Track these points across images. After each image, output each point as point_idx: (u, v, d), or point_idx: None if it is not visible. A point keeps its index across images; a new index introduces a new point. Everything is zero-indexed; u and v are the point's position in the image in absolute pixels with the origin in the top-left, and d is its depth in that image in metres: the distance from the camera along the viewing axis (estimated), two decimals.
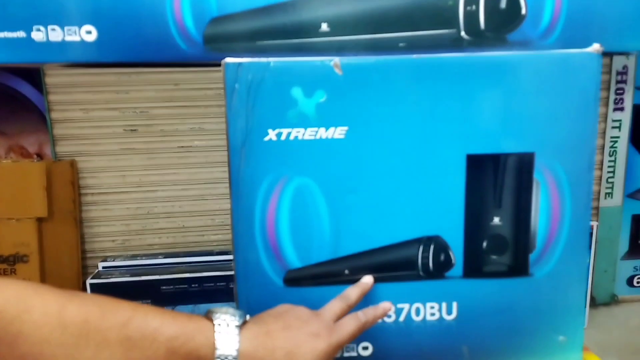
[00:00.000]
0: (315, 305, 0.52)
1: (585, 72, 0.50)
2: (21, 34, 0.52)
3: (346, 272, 0.53)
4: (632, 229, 1.74)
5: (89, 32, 0.51)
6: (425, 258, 0.53)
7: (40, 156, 1.65)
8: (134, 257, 1.65)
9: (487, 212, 0.52)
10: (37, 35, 0.52)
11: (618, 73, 1.62)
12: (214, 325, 0.42)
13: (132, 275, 1.50)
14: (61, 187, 1.60)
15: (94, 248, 1.69)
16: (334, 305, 0.48)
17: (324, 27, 0.53)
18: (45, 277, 1.56)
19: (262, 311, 0.51)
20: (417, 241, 0.53)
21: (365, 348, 0.55)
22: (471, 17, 0.54)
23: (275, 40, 0.52)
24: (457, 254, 0.53)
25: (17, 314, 0.36)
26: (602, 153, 1.68)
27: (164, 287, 1.53)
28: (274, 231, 0.52)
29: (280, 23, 0.52)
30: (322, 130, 0.50)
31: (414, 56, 0.50)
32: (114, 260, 1.60)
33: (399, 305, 0.54)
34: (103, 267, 1.57)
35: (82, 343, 0.37)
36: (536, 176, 0.51)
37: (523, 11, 0.54)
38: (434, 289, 0.53)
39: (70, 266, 1.62)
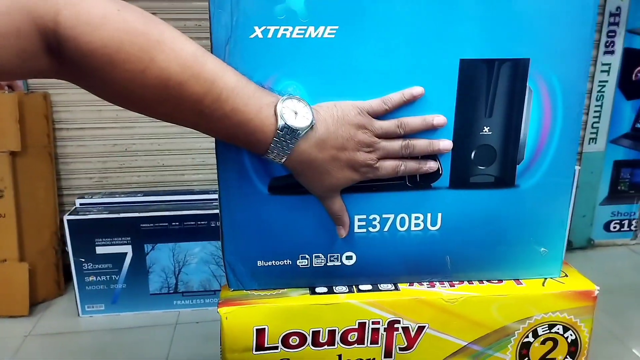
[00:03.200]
0: (300, 214, 0.52)
1: None
2: None
3: None
4: (612, 174, 1.77)
5: None
6: None
7: (11, 88, 1.59)
8: (112, 194, 1.63)
9: (477, 120, 0.52)
10: None
11: (611, 15, 1.61)
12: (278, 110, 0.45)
13: (110, 213, 1.49)
14: (34, 121, 1.56)
15: (70, 185, 1.66)
16: (397, 145, 0.50)
17: None
18: (20, 212, 1.54)
19: (245, 220, 0.51)
20: None
21: (349, 257, 0.55)
22: None
23: None
24: (444, 163, 0.53)
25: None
26: (590, 97, 1.68)
27: (144, 225, 1.52)
28: None
29: None
30: (311, 28, 0.48)
31: None
32: (91, 198, 1.58)
33: (384, 216, 0.54)
34: (80, 204, 1.55)
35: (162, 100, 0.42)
36: (529, 84, 0.51)
37: None
38: (420, 200, 0.54)
39: (46, 201, 1.59)
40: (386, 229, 0.54)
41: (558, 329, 0.55)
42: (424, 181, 0.53)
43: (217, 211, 0.53)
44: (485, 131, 0.52)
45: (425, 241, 0.55)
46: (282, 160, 0.47)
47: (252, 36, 0.48)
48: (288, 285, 0.55)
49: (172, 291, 1.51)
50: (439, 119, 0.50)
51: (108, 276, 1.51)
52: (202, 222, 1.51)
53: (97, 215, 1.47)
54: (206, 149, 1.64)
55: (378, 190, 0.53)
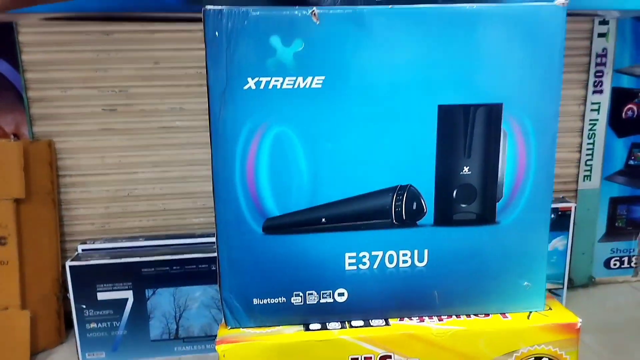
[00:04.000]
0: (293, 253, 0.55)
1: (551, 24, 0.53)
2: None
3: (323, 220, 0.56)
4: (609, 211, 1.80)
5: None
6: (398, 207, 0.56)
7: (17, 136, 1.65)
8: (114, 239, 1.66)
9: (457, 161, 0.56)
10: None
11: (598, 55, 1.67)
12: None
13: (112, 258, 1.51)
14: (39, 168, 1.60)
15: (72, 231, 1.69)
16: None
17: None
18: (23, 259, 1.56)
19: (241, 259, 0.54)
20: (391, 190, 0.56)
21: (341, 294, 0.58)
22: None
23: None
24: (428, 202, 0.56)
25: None
26: (581, 136, 1.73)
27: (145, 270, 1.54)
28: (254, 180, 0.55)
29: None
30: (300, 79, 0.53)
31: (389, 6, 0.53)
32: (93, 243, 1.61)
33: (374, 253, 0.57)
34: (82, 250, 1.57)
35: None
36: (504, 126, 0.55)
37: None
38: (407, 237, 0.57)
39: (48, 248, 1.62)
40: (375, 265, 0.57)
41: None
42: (410, 219, 0.56)
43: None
44: (465, 171, 0.56)
45: (413, 277, 0.58)
46: None
47: (245, 87, 0.52)
48: (283, 322, 0.58)
49: (173, 337, 1.51)
50: None
51: (109, 323, 1.52)
52: (203, 265, 1.53)
53: (99, 260, 1.49)
54: (207, 192, 1.68)
55: (367, 228, 0.56)
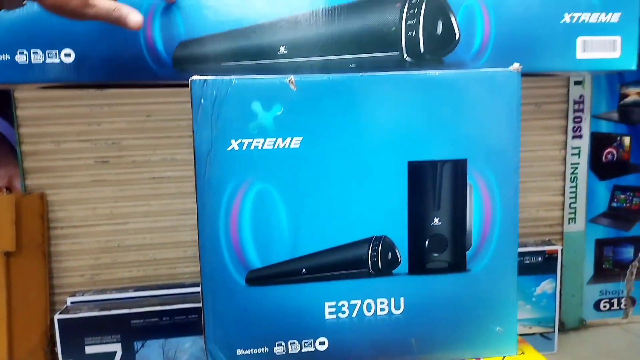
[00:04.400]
0: (275, 303, 0.58)
1: (507, 87, 0.59)
2: (6, 57, 0.59)
3: (303, 271, 0.60)
4: (596, 253, 1.83)
5: (67, 55, 0.59)
6: (374, 257, 0.60)
7: (9, 189, 1.68)
8: (103, 291, 1.67)
9: (428, 213, 0.60)
10: (21, 58, 0.59)
11: (575, 102, 1.75)
12: None
13: (100, 310, 1.52)
14: (30, 221, 1.63)
15: (62, 283, 1.70)
16: None
17: (282, 49, 0.62)
18: (11, 313, 1.57)
19: (225, 310, 0.58)
20: (367, 241, 0.60)
21: (322, 343, 0.61)
22: (412, 41, 0.63)
23: (239, 61, 0.61)
24: (402, 252, 0.60)
25: None
26: (564, 179, 1.79)
27: (134, 321, 1.55)
28: (237, 234, 0.59)
29: (243, 46, 0.61)
30: (279, 140, 0.58)
31: (360, 74, 0.58)
32: (82, 295, 1.62)
33: (352, 302, 0.61)
34: (71, 302, 1.58)
35: None
36: (469, 180, 0.60)
37: (457, 36, 0.64)
38: (383, 286, 0.61)
39: (37, 301, 1.63)
40: (354, 314, 0.61)
41: None
42: (386, 268, 0.60)
43: None
44: (436, 222, 0.60)
45: (391, 324, 0.61)
46: None
47: (229, 148, 0.57)
48: None
49: None
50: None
51: None
52: (193, 316, 1.54)
53: (88, 313, 1.50)
54: (197, 241, 1.70)
55: (345, 278, 0.60)
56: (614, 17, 0.65)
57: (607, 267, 1.86)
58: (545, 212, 1.87)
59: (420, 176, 0.60)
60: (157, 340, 1.52)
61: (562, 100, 1.82)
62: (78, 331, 1.49)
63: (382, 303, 0.61)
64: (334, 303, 0.60)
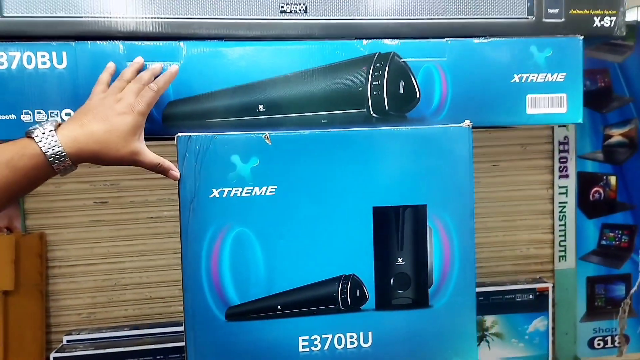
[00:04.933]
0: (253, 337, 0.65)
1: (459, 141, 0.67)
2: (12, 116, 0.68)
3: (278, 307, 0.67)
4: (587, 290, 1.89)
5: (68, 114, 0.68)
6: (343, 294, 0.67)
7: (9, 229, 1.76)
8: (99, 329, 1.73)
9: (392, 253, 0.68)
10: (26, 117, 0.68)
11: (560, 143, 1.84)
12: (34, 139, 0.58)
13: (96, 348, 1.58)
14: (29, 260, 1.70)
15: (58, 322, 1.76)
16: (132, 87, 0.64)
17: (261, 107, 0.71)
18: (7, 352, 1.62)
19: (206, 344, 0.65)
20: (336, 279, 0.67)
21: None
22: (377, 100, 0.72)
23: (221, 118, 0.70)
24: (369, 289, 0.67)
25: None
26: (553, 218, 1.86)
27: None
28: (217, 273, 0.66)
29: (225, 105, 0.70)
30: (256, 188, 0.66)
31: (327, 130, 0.67)
32: (79, 334, 1.68)
33: (324, 336, 0.68)
34: (67, 341, 1.64)
35: None
36: (429, 223, 0.68)
37: (417, 95, 0.72)
38: (352, 321, 0.68)
39: (33, 340, 1.69)
40: (326, 347, 0.67)
41: None
42: (354, 304, 0.67)
43: None
44: (400, 262, 0.68)
45: (360, 357, 0.68)
46: (64, 156, 0.58)
47: (211, 196, 0.65)
48: None
49: None
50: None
51: None
52: None
53: (83, 352, 1.56)
54: None
55: (317, 313, 0.67)
56: (560, 77, 0.74)
57: (600, 305, 1.91)
58: (535, 250, 1.94)
59: (385, 220, 0.67)
60: None
61: (547, 142, 1.91)
62: None
63: (351, 337, 0.67)
64: (307, 337, 0.67)
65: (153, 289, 1.78)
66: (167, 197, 1.73)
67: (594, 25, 0.74)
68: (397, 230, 0.68)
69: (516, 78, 0.73)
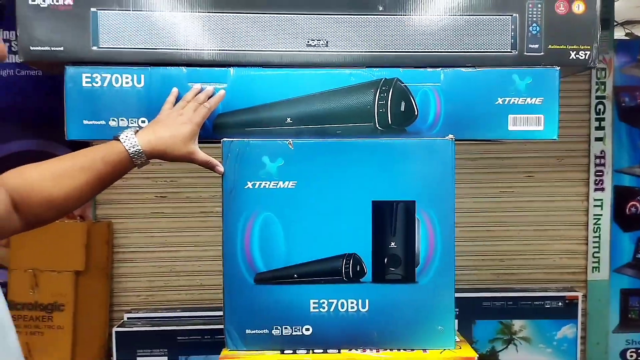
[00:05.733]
0: (274, 298, 0.89)
1: (443, 151, 0.89)
2: (102, 122, 0.95)
3: (295, 275, 0.90)
4: (621, 302, 2.00)
5: (143, 122, 0.93)
6: (346, 268, 0.90)
7: (82, 217, 2.09)
8: (155, 309, 2.03)
9: (387, 238, 0.89)
10: (112, 123, 0.95)
11: (596, 157, 1.97)
12: (120, 140, 0.84)
13: (152, 326, 1.88)
14: (98, 246, 2.02)
15: (120, 302, 2.08)
16: (191, 105, 0.89)
17: (289, 120, 0.94)
18: (76, 325, 1.94)
19: (239, 301, 0.88)
20: (341, 257, 0.90)
21: (307, 329, 0.90)
22: (382, 116, 0.94)
23: (257, 127, 0.94)
24: (367, 266, 0.89)
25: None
26: (587, 229, 1.99)
27: (180, 338, 1.89)
28: (249, 247, 0.90)
29: (260, 117, 0.94)
30: (280, 182, 0.89)
31: (339, 139, 0.90)
32: (138, 312, 1.99)
33: (330, 300, 0.90)
34: (128, 318, 1.95)
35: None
36: (417, 216, 0.89)
37: (415, 113, 0.94)
38: (353, 290, 0.90)
39: (99, 316, 2.00)
40: (332, 309, 0.90)
41: None
42: (355, 277, 0.89)
43: None
44: (392, 245, 0.89)
45: (359, 319, 0.90)
46: (141, 153, 0.83)
47: (245, 187, 0.89)
48: (266, 348, 0.91)
49: None
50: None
51: None
52: None
53: (141, 328, 1.86)
54: None
55: (325, 282, 0.90)
56: (538, 100, 0.92)
57: (633, 317, 2.02)
58: (568, 260, 2.08)
59: (381, 211, 0.89)
60: (199, 356, 1.85)
61: (584, 155, 2.05)
62: (132, 344, 1.86)
63: (352, 302, 0.89)
64: (317, 300, 0.90)
65: (204, 277, 2.06)
66: (218, 194, 2.00)
67: (570, 57, 0.93)
68: (391, 220, 0.89)
69: (500, 100, 0.93)
